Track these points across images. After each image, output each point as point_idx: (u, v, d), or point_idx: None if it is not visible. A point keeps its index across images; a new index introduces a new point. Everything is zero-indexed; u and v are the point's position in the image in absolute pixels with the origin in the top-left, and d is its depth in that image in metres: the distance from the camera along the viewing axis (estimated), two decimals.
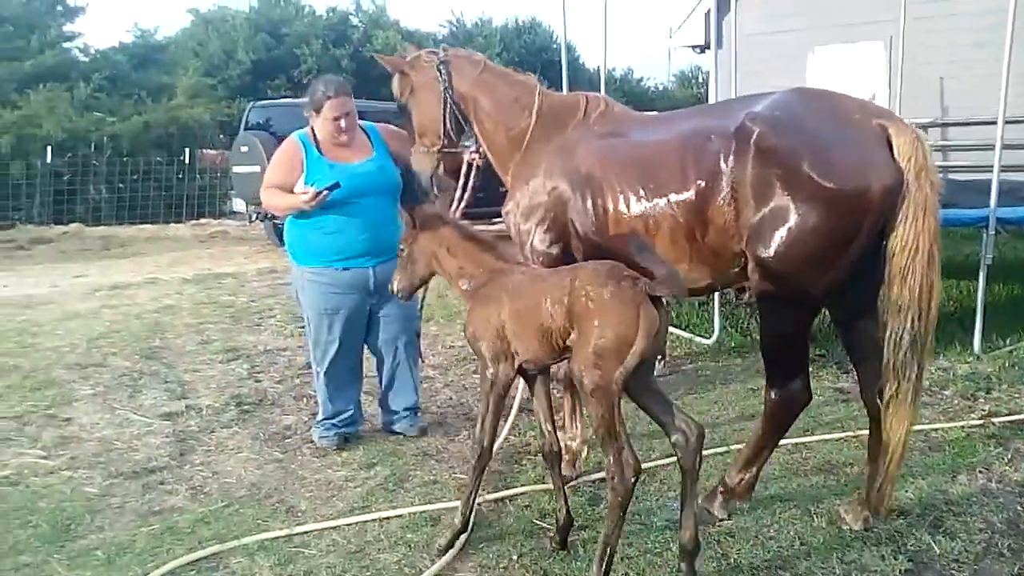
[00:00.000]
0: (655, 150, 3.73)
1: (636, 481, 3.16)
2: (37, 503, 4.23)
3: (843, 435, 4.81)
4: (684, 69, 35.77)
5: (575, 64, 31.44)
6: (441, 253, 3.67)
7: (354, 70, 25.96)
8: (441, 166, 4.41)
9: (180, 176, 19.76)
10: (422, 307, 4.92)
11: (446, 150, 4.36)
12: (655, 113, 5.24)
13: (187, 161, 19.87)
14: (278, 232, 14.46)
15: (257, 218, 14.47)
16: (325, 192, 4.44)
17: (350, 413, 4.96)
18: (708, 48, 11.96)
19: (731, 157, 3.41)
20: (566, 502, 3.63)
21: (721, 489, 3.83)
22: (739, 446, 4.62)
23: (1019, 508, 3.84)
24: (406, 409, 5.06)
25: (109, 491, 4.37)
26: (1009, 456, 4.40)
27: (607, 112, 4.10)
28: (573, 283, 3.19)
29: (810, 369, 3.72)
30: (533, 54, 31.73)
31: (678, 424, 3.27)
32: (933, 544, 3.52)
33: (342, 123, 4.60)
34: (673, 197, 3.58)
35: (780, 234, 3.31)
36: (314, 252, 4.68)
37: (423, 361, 5.42)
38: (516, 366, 3.46)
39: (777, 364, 3.62)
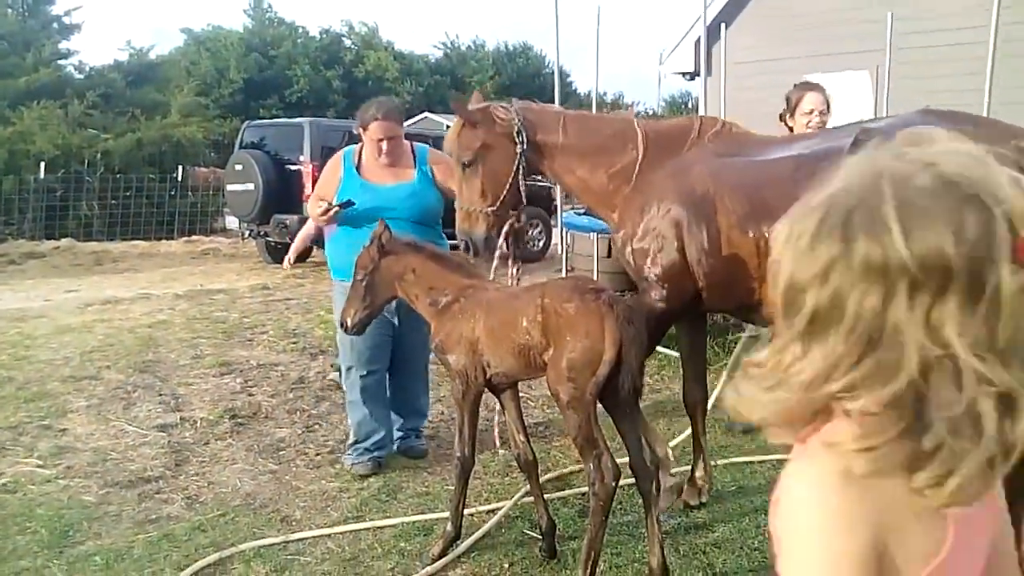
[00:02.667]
0: (771, 170, 3.54)
1: (616, 485, 3.28)
2: (35, 510, 4.29)
3: None
4: (674, 94, 36.28)
5: (567, 88, 31.80)
6: (408, 277, 3.75)
7: (345, 91, 26.18)
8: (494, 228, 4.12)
9: (172, 193, 19.83)
10: None
11: (497, 212, 4.07)
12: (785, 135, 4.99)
13: (179, 178, 19.97)
14: (269, 249, 14.54)
15: (249, 235, 14.50)
16: (336, 208, 4.58)
17: (381, 436, 4.89)
18: (698, 75, 12.12)
19: None
20: (546, 509, 3.73)
21: None
22: (724, 461, 4.74)
23: None
24: (410, 430, 5.11)
25: (106, 499, 4.43)
26: None
27: (724, 132, 3.92)
28: (543, 300, 3.31)
29: None
30: (526, 78, 32.14)
31: (641, 448, 3.41)
32: None
33: (384, 145, 4.72)
34: (780, 216, 3.29)
35: None
36: (339, 266, 4.74)
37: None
38: (487, 378, 3.57)
39: None
